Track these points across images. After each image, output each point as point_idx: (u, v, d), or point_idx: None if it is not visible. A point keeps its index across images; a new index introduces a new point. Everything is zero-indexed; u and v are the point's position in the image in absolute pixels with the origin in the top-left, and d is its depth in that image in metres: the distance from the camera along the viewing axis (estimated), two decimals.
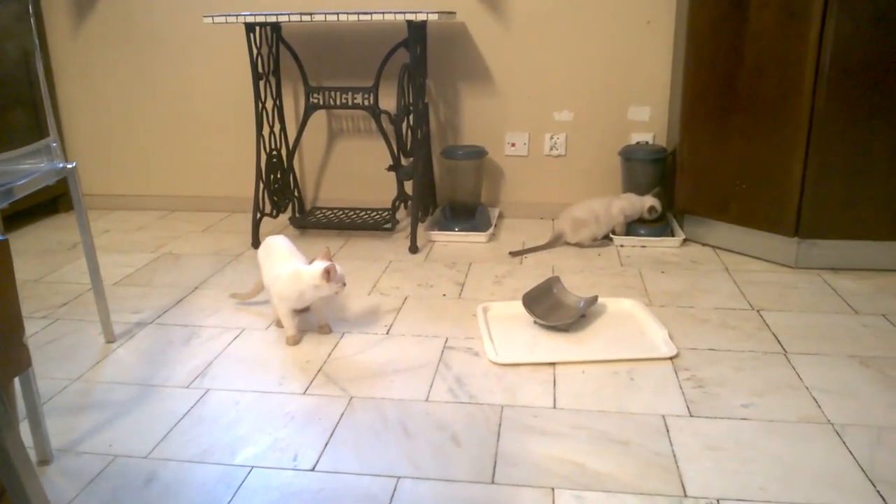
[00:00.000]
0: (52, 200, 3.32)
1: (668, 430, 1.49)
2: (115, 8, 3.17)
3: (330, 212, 3.06)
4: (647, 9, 2.83)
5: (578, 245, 2.67)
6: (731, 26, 2.36)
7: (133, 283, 2.42)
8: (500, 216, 3.12)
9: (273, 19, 2.59)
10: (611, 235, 2.73)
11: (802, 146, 2.27)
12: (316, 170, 3.24)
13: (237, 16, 2.60)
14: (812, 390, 1.64)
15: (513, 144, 3.06)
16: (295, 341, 1.90)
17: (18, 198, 1.52)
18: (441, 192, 3.14)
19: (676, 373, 1.72)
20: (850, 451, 1.41)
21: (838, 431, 1.48)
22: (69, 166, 1.77)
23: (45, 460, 1.44)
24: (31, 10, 1.71)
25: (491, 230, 2.83)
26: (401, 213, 3.10)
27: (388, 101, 2.89)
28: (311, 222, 2.90)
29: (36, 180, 1.59)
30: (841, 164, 2.25)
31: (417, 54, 2.70)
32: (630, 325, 1.99)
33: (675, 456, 1.41)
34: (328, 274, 1.81)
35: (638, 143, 2.95)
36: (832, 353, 1.82)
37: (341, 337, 1.96)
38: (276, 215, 2.92)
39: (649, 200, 2.69)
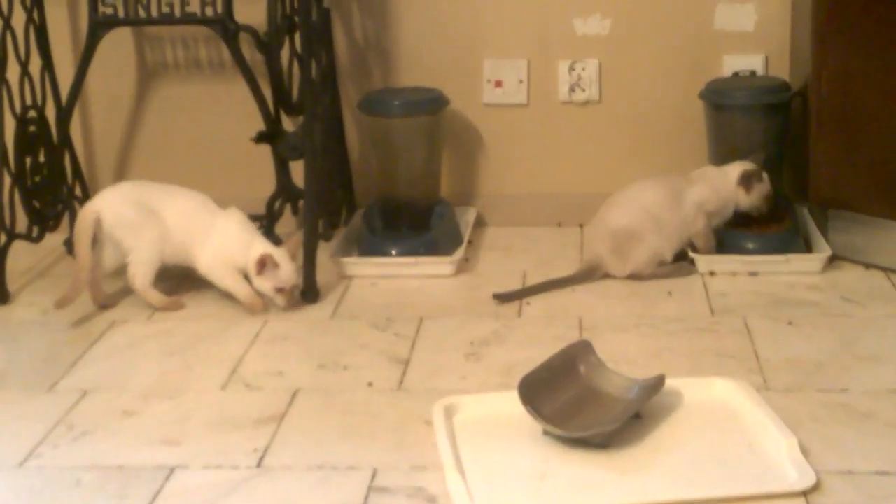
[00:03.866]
0: None
1: None
2: None
3: None
4: None
5: (633, 277, 2.02)
6: None
7: None
8: (479, 223, 2.34)
9: None
10: (689, 252, 2.07)
11: None
12: (116, 145, 2.44)
13: None
14: None
15: (497, 83, 2.29)
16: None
17: None
18: (363, 180, 2.40)
19: None
20: None
21: None
22: None
23: None
24: None
25: (460, 252, 2.12)
26: (287, 223, 2.27)
27: (252, 10, 2.14)
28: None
29: None
30: None
31: None
32: (727, 430, 1.58)
33: None
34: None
35: (737, 73, 2.28)
36: None
37: (170, 474, 1.38)
38: (40, 237, 2.14)
39: (737, 168, 2.03)
